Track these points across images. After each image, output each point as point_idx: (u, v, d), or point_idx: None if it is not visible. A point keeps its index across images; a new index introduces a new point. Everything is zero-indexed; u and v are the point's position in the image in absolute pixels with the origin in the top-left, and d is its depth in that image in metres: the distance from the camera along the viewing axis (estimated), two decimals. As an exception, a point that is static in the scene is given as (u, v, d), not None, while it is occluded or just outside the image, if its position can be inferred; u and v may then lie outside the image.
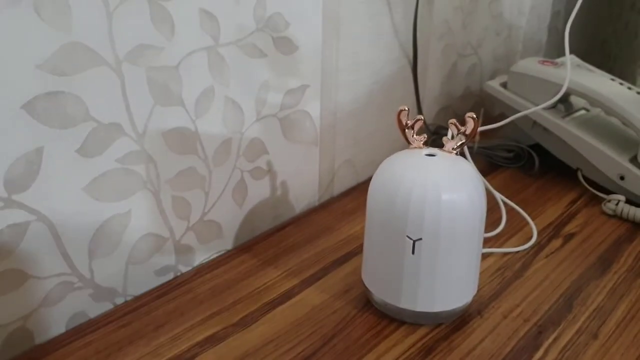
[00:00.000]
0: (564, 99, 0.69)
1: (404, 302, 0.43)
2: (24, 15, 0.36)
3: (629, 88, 0.66)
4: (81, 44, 0.39)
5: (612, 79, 0.68)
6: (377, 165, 0.44)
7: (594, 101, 0.65)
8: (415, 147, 0.43)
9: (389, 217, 0.41)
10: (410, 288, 0.42)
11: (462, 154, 0.49)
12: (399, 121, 0.43)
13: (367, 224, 0.44)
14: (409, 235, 0.40)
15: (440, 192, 0.40)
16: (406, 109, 0.42)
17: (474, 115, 0.40)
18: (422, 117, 0.43)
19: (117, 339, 0.43)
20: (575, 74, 0.67)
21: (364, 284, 0.46)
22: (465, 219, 0.41)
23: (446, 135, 0.44)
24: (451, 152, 0.42)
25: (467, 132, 0.41)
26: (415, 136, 0.43)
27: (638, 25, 0.92)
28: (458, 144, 0.41)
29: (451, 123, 0.41)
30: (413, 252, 0.41)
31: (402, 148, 0.44)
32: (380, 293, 0.44)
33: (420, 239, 0.40)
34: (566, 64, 0.64)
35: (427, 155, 0.42)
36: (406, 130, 0.43)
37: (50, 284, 0.43)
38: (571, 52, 0.70)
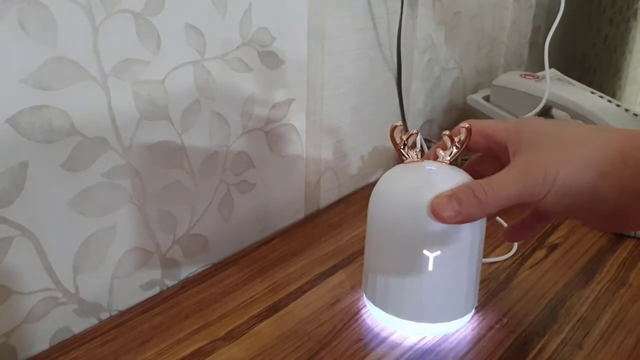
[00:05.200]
0: (546, 112, 0.70)
1: (419, 317, 0.43)
2: (8, 29, 0.36)
3: (609, 101, 0.67)
4: (66, 58, 0.39)
5: (592, 92, 0.69)
6: (363, 178, 0.45)
7: (574, 114, 0.66)
8: (410, 162, 0.43)
9: (404, 233, 0.41)
10: (430, 302, 0.43)
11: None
12: (393, 138, 0.43)
13: (373, 241, 0.44)
14: (427, 250, 0.41)
15: None
16: (400, 124, 0.42)
17: (468, 125, 0.40)
18: (417, 132, 0.43)
19: (102, 355, 0.43)
20: (556, 87, 0.68)
21: (368, 301, 0.46)
22: (475, 229, 0.41)
23: (430, 147, 0.45)
24: (446, 163, 0.42)
25: (461, 142, 0.41)
26: (409, 151, 0.43)
27: (617, 39, 0.94)
28: (452, 155, 0.42)
29: (445, 134, 0.41)
30: (430, 268, 0.41)
31: (388, 161, 0.45)
32: (389, 308, 0.44)
33: (439, 253, 0.41)
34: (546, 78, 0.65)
35: (427, 168, 0.42)
36: (403, 146, 0.43)
37: (34, 300, 0.42)
38: (552, 66, 0.72)
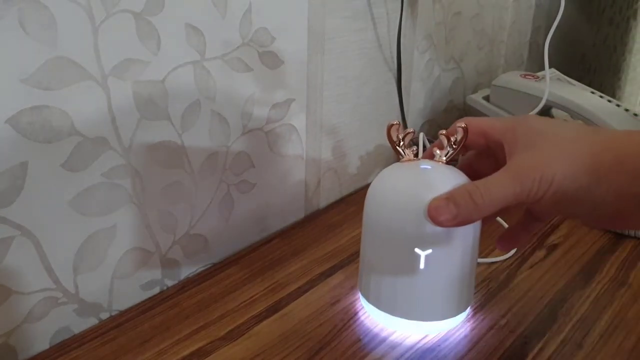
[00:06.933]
0: (546, 112, 0.70)
1: (412, 314, 0.43)
2: (8, 29, 0.36)
3: (609, 101, 0.67)
4: (67, 58, 0.39)
5: (592, 92, 0.69)
6: (363, 178, 0.45)
7: (574, 113, 0.66)
8: (407, 160, 0.43)
9: (397, 231, 0.41)
10: (422, 300, 0.43)
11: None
12: (390, 136, 0.43)
13: (368, 238, 0.44)
14: (418, 249, 0.41)
15: None
16: (397, 123, 0.42)
17: (464, 125, 0.40)
18: (413, 130, 0.43)
19: (102, 355, 0.43)
20: (556, 87, 0.68)
21: (363, 298, 0.46)
22: (468, 228, 0.41)
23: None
24: (443, 162, 0.42)
25: (457, 142, 0.41)
26: (405, 149, 0.43)
27: (616, 39, 0.94)
28: (448, 155, 0.42)
29: (441, 134, 0.41)
30: (422, 266, 0.41)
31: (388, 161, 0.45)
32: (383, 306, 0.44)
33: (431, 251, 0.41)
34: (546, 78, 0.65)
35: (423, 167, 0.42)
36: (399, 144, 0.43)
37: (34, 300, 0.42)
38: (552, 66, 0.72)
